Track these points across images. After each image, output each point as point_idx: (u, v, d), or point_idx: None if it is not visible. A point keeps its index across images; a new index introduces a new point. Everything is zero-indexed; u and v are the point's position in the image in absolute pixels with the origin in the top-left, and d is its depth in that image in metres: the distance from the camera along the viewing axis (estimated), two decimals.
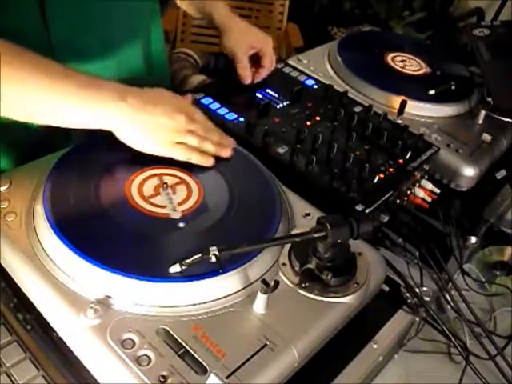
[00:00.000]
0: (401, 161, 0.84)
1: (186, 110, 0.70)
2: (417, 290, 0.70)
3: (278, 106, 0.93)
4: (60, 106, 0.63)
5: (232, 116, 0.88)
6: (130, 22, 0.85)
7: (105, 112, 0.64)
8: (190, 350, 0.51)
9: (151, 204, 0.64)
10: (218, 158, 0.72)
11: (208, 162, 0.70)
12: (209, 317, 0.54)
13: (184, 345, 0.51)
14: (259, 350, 0.52)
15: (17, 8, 0.70)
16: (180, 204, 0.65)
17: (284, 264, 0.61)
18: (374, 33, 1.47)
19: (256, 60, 0.97)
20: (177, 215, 0.63)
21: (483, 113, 0.99)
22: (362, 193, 0.76)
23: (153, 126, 0.67)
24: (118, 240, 0.59)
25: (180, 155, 0.68)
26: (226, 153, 0.72)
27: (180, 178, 0.69)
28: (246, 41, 0.95)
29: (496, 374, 0.72)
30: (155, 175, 0.68)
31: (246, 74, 0.95)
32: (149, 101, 0.67)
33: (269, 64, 0.97)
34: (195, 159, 0.69)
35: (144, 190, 0.66)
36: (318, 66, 1.08)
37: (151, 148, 0.67)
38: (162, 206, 0.64)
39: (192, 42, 2.21)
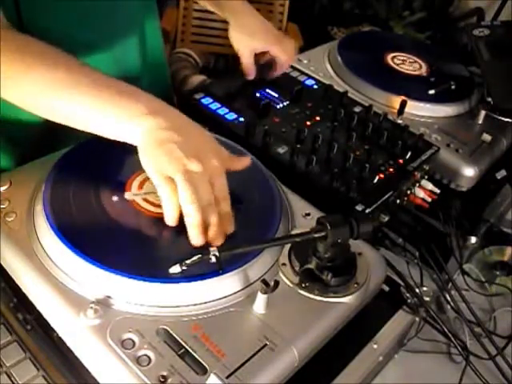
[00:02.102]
0: (401, 161, 0.84)
1: (209, 162, 0.58)
2: (417, 290, 0.70)
3: (278, 106, 0.93)
4: (93, 114, 0.59)
5: (232, 116, 0.88)
6: (120, 17, 0.85)
7: (140, 126, 0.58)
8: (190, 350, 0.51)
9: (151, 204, 0.64)
10: None
11: (172, 221, 0.59)
12: (209, 317, 0.54)
13: (184, 345, 0.51)
14: (259, 350, 0.52)
15: None
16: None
17: (284, 264, 0.61)
18: (374, 33, 1.47)
19: (262, 54, 0.97)
20: (129, 197, 0.63)
21: (483, 113, 0.99)
22: (361, 193, 0.76)
23: (162, 150, 0.57)
24: (118, 240, 0.59)
25: (160, 189, 0.58)
26: (194, 239, 0.58)
27: None
28: (252, 41, 0.94)
29: (496, 373, 0.72)
30: None
31: (251, 71, 0.94)
32: (182, 128, 0.59)
33: (284, 60, 0.96)
34: (168, 207, 0.59)
35: (144, 189, 0.66)
36: (318, 66, 1.08)
37: (147, 168, 0.59)
38: (153, 204, 0.64)
39: (192, 42, 2.20)
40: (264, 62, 0.98)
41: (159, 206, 0.64)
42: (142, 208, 0.63)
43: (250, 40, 0.94)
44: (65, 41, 0.65)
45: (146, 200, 0.64)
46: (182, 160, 0.57)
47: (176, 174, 0.56)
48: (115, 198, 0.64)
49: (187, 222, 0.58)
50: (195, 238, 0.58)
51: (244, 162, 0.64)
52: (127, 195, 0.64)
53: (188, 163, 0.56)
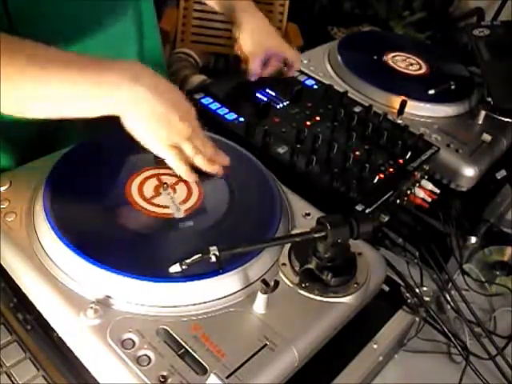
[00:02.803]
0: (401, 161, 0.84)
1: (192, 116, 0.67)
2: (417, 290, 0.70)
3: (278, 106, 0.93)
4: (64, 95, 0.60)
5: (232, 116, 0.88)
6: (118, 17, 0.84)
7: (117, 95, 0.60)
8: (190, 350, 0.51)
9: (153, 205, 0.64)
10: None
11: (190, 178, 0.67)
12: (209, 317, 0.54)
13: (184, 345, 0.51)
14: (259, 350, 0.52)
15: None
16: (182, 203, 0.65)
17: (284, 264, 0.61)
18: (374, 33, 1.47)
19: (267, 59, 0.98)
20: (180, 214, 0.63)
21: (483, 113, 0.99)
22: (361, 193, 0.76)
23: (161, 120, 0.63)
24: (118, 240, 0.59)
25: (172, 159, 0.65)
26: (214, 169, 0.69)
27: (181, 178, 0.69)
28: (262, 42, 0.94)
29: (496, 374, 0.72)
30: (155, 175, 0.68)
31: (256, 73, 0.95)
32: (163, 92, 0.63)
33: (295, 59, 0.98)
34: (181, 171, 0.66)
35: (144, 190, 0.66)
36: (318, 66, 1.08)
37: (151, 143, 0.64)
38: (165, 206, 0.64)
39: (192, 42, 2.20)
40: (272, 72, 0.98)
41: (159, 206, 0.64)
42: (141, 208, 0.63)
43: (264, 42, 0.94)
44: (59, 41, 0.65)
45: (147, 201, 0.64)
46: (182, 128, 0.64)
47: (183, 144, 0.65)
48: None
49: (201, 165, 0.68)
50: (213, 169, 0.69)
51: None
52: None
53: (185, 128, 0.64)
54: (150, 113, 0.62)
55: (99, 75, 0.60)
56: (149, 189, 0.66)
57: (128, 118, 0.62)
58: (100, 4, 0.80)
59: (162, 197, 0.65)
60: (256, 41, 0.93)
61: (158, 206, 0.64)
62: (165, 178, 0.68)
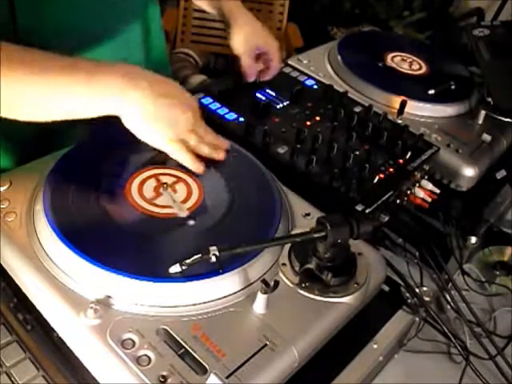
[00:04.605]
0: (401, 161, 0.84)
1: (193, 107, 0.69)
2: (417, 290, 0.70)
3: (278, 106, 0.93)
4: (65, 98, 0.61)
5: (232, 116, 0.88)
6: (124, 16, 0.85)
7: (116, 99, 0.62)
8: (190, 350, 0.51)
9: (156, 205, 0.64)
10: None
11: (199, 168, 0.69)
12: (209, 317, 0.54)
13: (184, 345, 0.51)
14: (259, 350, 0.52)
15: None
16: (183, 202, 0.65)
17: (284, 264, 0.61)
18: (374, 33, 1.47)
19: (258, 57, 0.98)
20: (184, 214, 0.63)
21: (483, 113, 0.99)
22: (362, 193, 0.76)
23: (162, 117, 0.65)
24: (118, 240, 0.59)
25: (177, 153, 0.67)
26: (219, 155, 0.72)
27: (181, 178, 0.69)
28: (253, 42, 0.94)
29: (496, 374, 0.72)
30: (155, 175, 0.68)
31: (251, 73, 0.95)
32: (161, 90, 0.65)
33: (276, 65, 0.98)
34: (189, 162, 0.68)
35: (144, 190, 0.66)
36: (318, 66, 1.07)
37: (155, 140, 0.66)
38: (167, 206, 0.64)
39: (192, 42, 2.21)
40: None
41: (159, 206, 0.64)
42: (141, 208, 0.63)
43: (252, 39, 0.94)
44: (66, 48, 0.65)
45: (148, 201, 0.64)
46: (182, 121, 0.66)
47: (187, 135, 0.67)
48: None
49: (206, 153, 0.70)
50: (217, 155, 0.71)
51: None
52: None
53: (186, 120, 0.66)
54: (150, 113, 0.63)
55: (99, 79, 0.61)
56: (149, 189, 0.66)
57: (129, 119, 0.63)
58: (108, 11, 0.80)
59: (163, 197, 0.65)
60: (245, 40, 0.94)
61: (161, 206, 0.64)
62: (164, 178, 0.68)
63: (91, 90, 0.61)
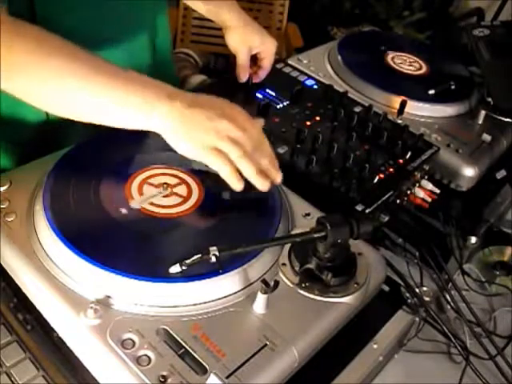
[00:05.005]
0: (401, 161, 0.84)
1: (235, 117, 0.62)
2: (417, 290, 0.70)
3: (278, 106, 0.93)
4: (107, 104, 0.60)
5: None
6: (133, 15, 0.85)
7: (156, 113, 0.60)
8: (190, 350, 0.51)
9: (155, 205, 0.64)
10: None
11: (237, 184, 0.61)
12: (209, 317, 0.54)
13: (184, 345, 0.51)
14: (259, 350, 0.52)
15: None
16: (174, 206, 0.64)
17: (284, 264, 0.61)
18: (374, 33, 1.48)
19: (253, 58, 0.98)
20: (135, 205, 0.63)
21: (483, 113, 0.99)
22: (362, 193, 0.76)
23: (192, 126, 0.60)
24: (118, 240, 0.59)
25: (212, 162, 0.61)
26: (263, 185, 0.62)
27: (180, 178, 0.69)
28: (249, 41, 0.94)
29: (496, 373, 0.72)
30: (155, 175, 0.68)
31: (244, 74, 0.95)
32: (197, 103, 0.61)
33: (268, 66, 0.97)
34: (225, 173, 0.60)
35: (144, 190, 0.66)
36: (318, 66, 1.08)
37: (187, 150, 0.61)
38: (167, 206, 0.64)
39: (192, 42, 2.20)
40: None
41: (159, 206, 0.64)
42: (141, 208, 0.63)
43: (249, 38, 0.94)
44: (78, 39, 0.66)
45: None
46: (217, 128, 0.60)
47: (221, 144, 0.60)
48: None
49: (247, 174, 0.61)
50: (261, 184, 0.62)
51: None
52: (133, 204, 0.63)
53: (222, 127, 0.60)
54: (182, 126, 0.60)
55: (142, 93, 0.60)
56: (149, 189, 0.66)
57: (166, 134, 0.61)
58: (115, 16, 0.80)
59: (153, 189, 0.65)
60: (242, 39, 0.94)
61: (161, 206, 0.64)
62: (164, 178, 0.68)
63: (136, 103, 0.60)
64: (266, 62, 0.97)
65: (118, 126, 0.61)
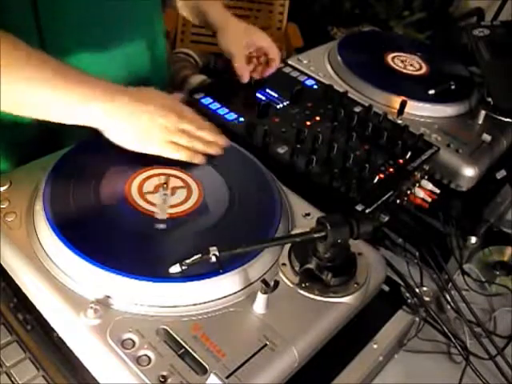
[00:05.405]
0: (401, 161, 0.84)
1: (175, 108, 0.70)
2: (417, 290, 0.70)
3: (278, 106, 0.93)
4: (51, 101, 0.63)
5: (232, 116, 0.88)
6: (129, 18, 0.85)
7: (95, 111, 0.64)
8: (190, 350, 0.51)
9: (145, 200, 0.64)
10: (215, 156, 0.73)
11: (197, 159, 0.70)
12: (209, 317, 0.54)
13: (184, 345, 0.51)
14: (259, 350, 0.52)
15: (8, 8, 0.70)
16: (173, 206, 0.64)
17: (284, 264, 0.61)
18: (374, 33, 1.47)
19: (251, 57, 0.98)
20: (162, 216, 0.63)
21: (483, 113, 0.99)
22: (362, 193, 0.76)
23: (145, 125, 0.67)
24: (118, 240, 0.59)
25: (170, 153, 0.69)
26: (214, 150, 0.72)
27: (179, 177, 0.69)
28: (242, 39, 0.94)
29: (496, 374, 0.72)
30: (154, 175, 0.68)
31: (244, 73, 0.94)
32: (138, 100, 0.67)
33: (276, 56, 0.97)
34: (184, 156, 0.69)
35: (144, 190, 0.66)
36: (318, 66, 1.08)
37: (143, 147, 0.68)
38: (153, 204, 0.64)
39: (192, 42, 2.20)
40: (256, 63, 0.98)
41: (151, 203, 0.64)
42: (141, 208, 0.63)
43: (241, 38, 0.94)
44: (78, 43, 0.67)
45: (141, 196, 0.64)
46: (167, 123, 0.68)
47: (175, 137, 0.69)
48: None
49: (201, 150, 0.71)
50: (215, 151, 0.72)
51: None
52: (159, 216, 0.63)
53: (171, 121, 0.68)
54: (129, 125, 0.66)
55: (83, 90, 0.64)
56: (149, 189, 0.66)
57: (108, 133, 0.67)
58: (110, 16, 0.81)
59: (156, 195, 0.65)
60: (234, 40, 0.94)
61: (148, 202, 0.64)
62: (164, 178, 0.68)
63: (74, 101, 0.64)
64: (273, 53, 0.97)
65: (60, 121, 0.65)
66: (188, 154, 0.70)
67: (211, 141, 0.73)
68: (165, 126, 0.68)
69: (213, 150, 0.72)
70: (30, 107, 0.64)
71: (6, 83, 0.60)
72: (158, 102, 0.69)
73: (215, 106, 0.90)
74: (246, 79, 0.95)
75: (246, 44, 0.95)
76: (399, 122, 0.93)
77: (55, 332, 0.56)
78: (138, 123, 0.67)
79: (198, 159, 0.70)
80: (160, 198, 0.65)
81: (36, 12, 0.72)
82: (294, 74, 1.03)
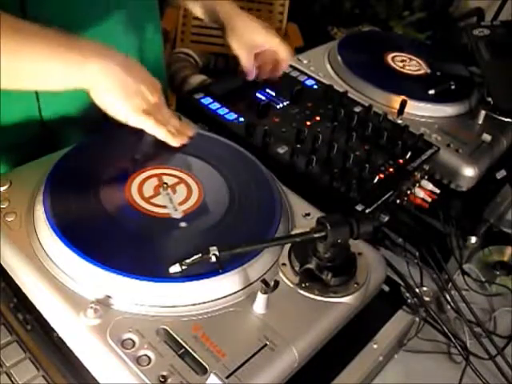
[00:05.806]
0: (401, 161, 0.84)
1: (158, 89, 0.71)
2: (417, 290, 0.70)
3: (278, 106, 0.93)
4: (43, 63, 0.63)
5: (232, 116, 0.88)
6: (120, 17, 0.85)
7: (92, 67, 0.64)
8: (190, 350, 0.51)
9: (152, 204, 0.64)
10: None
11: (175, 141, 0.70)
12: (209, 317, 0.54)
13: (184, 345, 0.51)
14: (259, 350, 0.52)
15: None
16: (180, 204, 0.65)
17: (284, 264, 0.61)
18: (374, 33, 1.48)
19: (259, 55, 0.97)
20: (178, 215, 0.63)
21: (483, 113, 0.99)
22: (362, 193, 0.76)
23: (131, 90, 0.67)
24: (118, 240, 0.59)
25: (150, 126, 0.68)
26: (183, 139, 0.72)
27: (180, 177, 0.69)
28: (250, 38, 0.94)
29: (496, 374, 0.72)
30: (155, 175, 0.68)
31: (251, 71, 0.94)
32: (126, 66, 0.67)
33: (285, 56, 0.96)
34: (163, 135, 0.69)
35: (144, 190, 0.66)
36: (318, 66, 1.08)
37: (124, 112, 0.67)
38: (163, 206, 0.64)
39: (192, 42, 2.21)
40: (263, 63, 0.97)
41: (160, 205, 0.64)
42: (141, 208, 0.63)
43: (249, 37, 0.93)
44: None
45: (146, 200, 0.64)
46: (149, 97, 0.68)
47: (157, 114, 0.68)
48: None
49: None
50: (190, 131, 0.74)
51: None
52: (175, 215, 0.64)
53: (146, 92, 0.68)
54: (118, 84, 0.66)
55: (70, 51, 0.63)
56: (149, 188, 0.66)
57: (98, 90, 0.65)
58: (103, 13, 0.80)
59: (160, 196, 0.65)
60: (243, 39, 0.93)
61: (157, 205, 0.64)
62: (166, 178, 0.68)
63: (62, 63, 0.63)
64: (282, 55, 0.96)
65: (57, 88, 0.65)
66: (165, 130, 0.69)
67: (179, 129, 0.73)
68: (147, 96, 0.68)
69: (181, 139, 0.72)
70: (30, 78, 0.64)
71: (7, 60, 0.59)
72: (149, 79, 0.70)
73: (215, 106, 0.90)
74: (252, 77, 0.94)
75: (254, 43, 0.94)
76: (399, 121, 0.93)
77: (55, 332, 0.56)
78: (124, 85, 0.66)
79: (175, 141, 0.70)
80: (165, 198, 0.65)
81: (25, 14, 0.71)
82: (294, 73, 1.03)
